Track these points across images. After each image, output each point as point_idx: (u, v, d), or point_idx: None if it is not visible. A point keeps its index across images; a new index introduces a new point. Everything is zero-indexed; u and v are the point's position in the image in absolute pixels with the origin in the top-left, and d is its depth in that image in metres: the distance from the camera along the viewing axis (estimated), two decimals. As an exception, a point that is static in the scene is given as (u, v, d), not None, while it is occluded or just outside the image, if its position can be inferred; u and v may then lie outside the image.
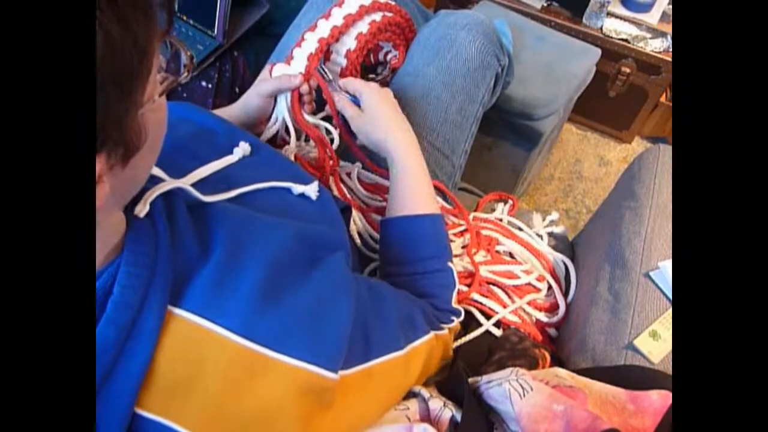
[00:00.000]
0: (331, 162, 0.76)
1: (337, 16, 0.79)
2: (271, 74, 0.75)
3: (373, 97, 0.71)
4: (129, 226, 0.37)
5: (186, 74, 0.38)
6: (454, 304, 0.62)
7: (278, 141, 0.79)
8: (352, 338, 0.42)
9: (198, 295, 0.37)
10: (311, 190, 0.55)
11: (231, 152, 0.55)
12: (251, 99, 0.74)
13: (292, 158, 0.75)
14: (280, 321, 0.38)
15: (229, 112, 0.74)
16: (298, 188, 0.55)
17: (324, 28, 0.78)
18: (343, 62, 0.81)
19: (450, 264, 0.63)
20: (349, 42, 0.81)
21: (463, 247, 0.80)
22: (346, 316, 0.42)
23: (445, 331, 0.59)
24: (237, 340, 0.36)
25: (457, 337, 0.69)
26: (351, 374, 0.43)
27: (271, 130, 0.77)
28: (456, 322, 0.61)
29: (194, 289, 0.37)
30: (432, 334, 0.55)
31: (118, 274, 0.34)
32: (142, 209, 0.38)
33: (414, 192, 0.67)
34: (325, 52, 0.79)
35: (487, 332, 0.73)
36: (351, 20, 0.79)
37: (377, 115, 0.70)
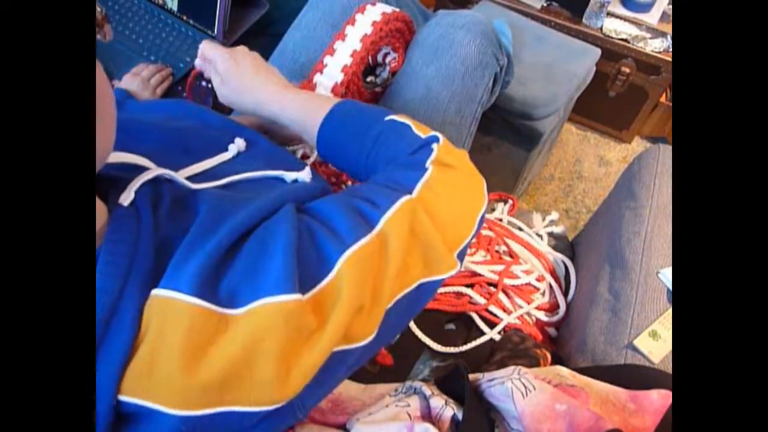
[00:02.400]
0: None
1: (354, 38, 0.77)
2: None
3: (225, 63, 0.66)
4: (112, 214, 0.37)
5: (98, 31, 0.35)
6: (422, 135, 0.54)
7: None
8: (302, 257, 0.38)
9: (168, 272, 0.36)
10: (305, 174, 0.54)
11: (226, 149, 0.55)
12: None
13: (308, 163, 0.74)
14: (233, 279, 0.36)
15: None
16: (290, 175, 0.53)
17: (344, 54, 0.75)
18: (340, 77, 0.77)
19: (390, 117, 0.56)
20: (345, 58, 0.78)
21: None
22: (285, 238, 0.39)
23: (433, 170, 0.50)
24: (193, 302, 0.34)
25: (459, 344, 0.70)
26: (319, 290, 0.38)
27: (300, 151, 0.76)
28: (443, 139, 0.53)
29: (169, 268, 0.36)
30: (405, 198, 0.46)
31: (98, 263, 0.34)
32: (126, 197, 0.38)
33: (308, 110, 0.61)
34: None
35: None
36: (369, 41, 0.77)
37: (238, 80, 0.65)
